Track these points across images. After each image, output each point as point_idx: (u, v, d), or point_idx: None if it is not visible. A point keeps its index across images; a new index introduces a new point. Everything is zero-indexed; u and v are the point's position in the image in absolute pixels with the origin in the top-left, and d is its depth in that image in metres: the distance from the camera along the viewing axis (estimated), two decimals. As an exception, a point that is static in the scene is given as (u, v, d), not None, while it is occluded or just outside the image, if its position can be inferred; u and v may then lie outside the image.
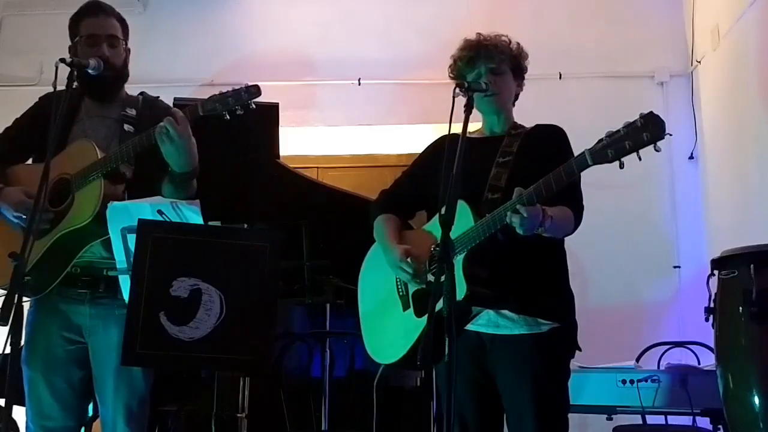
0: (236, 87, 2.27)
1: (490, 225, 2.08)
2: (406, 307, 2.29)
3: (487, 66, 2.32)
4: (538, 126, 2.40)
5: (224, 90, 2.30)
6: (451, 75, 2.41)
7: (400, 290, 2.32)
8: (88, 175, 2.33)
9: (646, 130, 1.83)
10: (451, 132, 2.03)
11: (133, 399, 2.37)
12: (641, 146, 1.84)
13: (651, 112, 1.86)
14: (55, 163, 2.33)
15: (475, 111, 2.13)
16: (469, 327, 2.22)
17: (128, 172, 2.41)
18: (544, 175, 2.00)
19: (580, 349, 2.27)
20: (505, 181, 2.21)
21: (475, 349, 2.23)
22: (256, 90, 2.27)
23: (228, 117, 2.27)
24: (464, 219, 2.13)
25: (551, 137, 2.34)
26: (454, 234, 2.14)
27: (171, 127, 2.23)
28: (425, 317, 2.15)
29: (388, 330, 2.33)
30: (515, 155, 2.28)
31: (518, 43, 2.40)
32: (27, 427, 2.40)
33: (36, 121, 2.51)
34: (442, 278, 1.83)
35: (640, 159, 1.88)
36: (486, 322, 2.21)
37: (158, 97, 2.66)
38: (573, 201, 2.19)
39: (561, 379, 2.22)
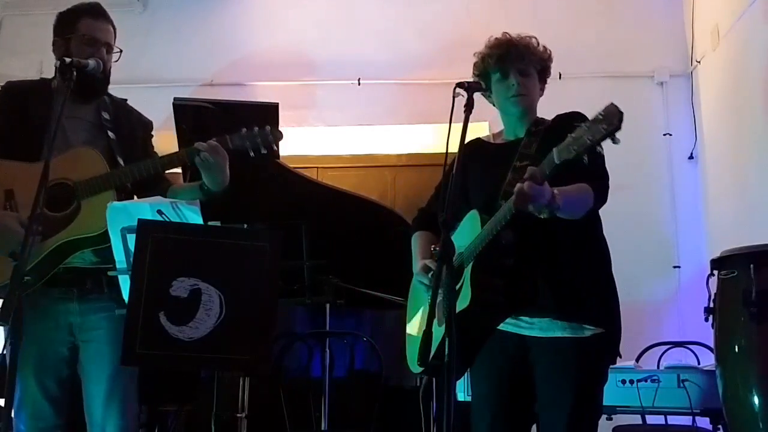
0: (263, 128, 2.42)
1: (489, 232, 2.04)
2: (433, 317, 2.28)
3: (517, 66, 2.27)
4: (557, 118, 2.31)
5: (249, 130, 2.41)
6: (474, 72, 2.34)
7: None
8: (98, 186, 2.34)
9: (604, 122, 1.77)
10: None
11: (125, 394, 2.38)
12: (600, 139, 1.79)
13: (611, 104, 1.79)
14: (51, 166, 2.33)
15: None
16: (512, 329, 2.19)
17: (129, 184, 2.43)
18: (563, 176, 1.95)
19: (620, 356, 2.22)
20: None
21: (516, 350, 2.19)
22: (280, 135, 2.45)
23: (253, 155, 2.41)
24: (475, 228, 2.11)
25: (570, 128, 2.28)
26: (464, 243, 2.15)
27: (212, 158, 2.34)
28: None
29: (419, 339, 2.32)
30: (533, 158, 2.18)
31: (545, 46, 2.35)
32: (18, 430, 2.38)
33: (3, 113, 2.47)
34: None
35: (601, 150, 1.89)
36: (528, 324, 2.17)
37: (126, 99, 2.66)
38: (592, 177, 2.09)
39: (598, 386, 2.17)
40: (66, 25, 2.50)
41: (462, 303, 2.09)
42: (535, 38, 2.34)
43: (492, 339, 2.21)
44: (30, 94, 2.50)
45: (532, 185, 1.89)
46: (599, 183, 2.13)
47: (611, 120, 1.76)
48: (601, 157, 2.15)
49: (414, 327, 2.41)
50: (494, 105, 2.38)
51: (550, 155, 1.89)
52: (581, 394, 2.11)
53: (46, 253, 2.30)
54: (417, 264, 2.32)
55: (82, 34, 2.47)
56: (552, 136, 2.20)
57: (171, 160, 2.44)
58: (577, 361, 2.11)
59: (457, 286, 2.15)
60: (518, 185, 1.91)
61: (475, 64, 2.36)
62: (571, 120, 2.24)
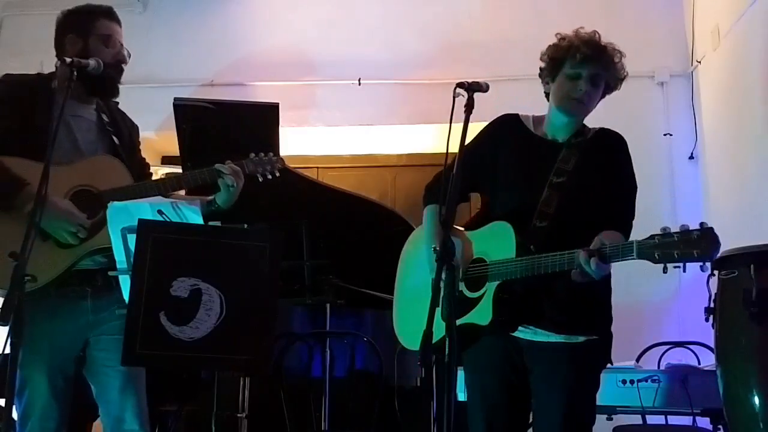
0: (268, 155, 2.64)
1: (530, 268, 2.06)
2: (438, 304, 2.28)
3: (592, 72, 2.21)
4: (599, 134, 2.30)
5: (257, 156, 2.61)
6: (548, 54, 2.28)
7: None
8: (126, 197, 2.33)
9: (698, 247, 1.76)
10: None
11: (140, 379, 2.42)
12: (688, 260, 1.78)
13: (711, 230, 1.77)
14: (73, 171, 2.35)
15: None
16: None
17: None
18: (595, 199, 2.06)
19: (611, 362, 2.25)
20: (555, 208, 2.17)
21: (511, 352, 2.22)
22: (283, 162, 2.70)
23: (261, 179, 2.62)
24: (506, 246, 2.12)
25: (611, 155, 2.26)
26: (490, 252, 2.18)
27: (236, 183, 2.50)
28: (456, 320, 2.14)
29: (419, 319, 2.31)
30: (570, 176, 2.20)
31: (624, 65, 2.30)
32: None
33: (5, 106, 2.46)
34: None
35: (684, 271, 1.82)
36: (522, 327, 2.19)
37: (117, 102, 2.69)
38: (624, 223, 2.16)
39: (591, 390, 2.21)
40: (83, 24, 2.52)
41: (480, 319, 2.13)
42: (620, 52, 2.29)
43: (488, 341, 2.22)
44: (35, 90, 2.49)
45: (599, 264, 1.94)
46: (628, 229, 2.18)
47: (708, 250, 1.74)
48: (635, 191, 2.21)
49: (408, 302, 2.40)
50: (546, 93, 2.32)
51: (629, 247, 1.91)
52: (575, 397, 2.13)
53: (80, 257, 2.34)
54: (434, 241, 2.26)
55: (102, 34, 2.51)
56: (591, 154, 2.22)
57: (195, 178, 2.51)
58: (571, 365, 2.14)
59: (477, 294, 2.18)
60: (584, 256, 1.94)
61: (553, 46, 2.27)
62: (614, 143, 2.26)
